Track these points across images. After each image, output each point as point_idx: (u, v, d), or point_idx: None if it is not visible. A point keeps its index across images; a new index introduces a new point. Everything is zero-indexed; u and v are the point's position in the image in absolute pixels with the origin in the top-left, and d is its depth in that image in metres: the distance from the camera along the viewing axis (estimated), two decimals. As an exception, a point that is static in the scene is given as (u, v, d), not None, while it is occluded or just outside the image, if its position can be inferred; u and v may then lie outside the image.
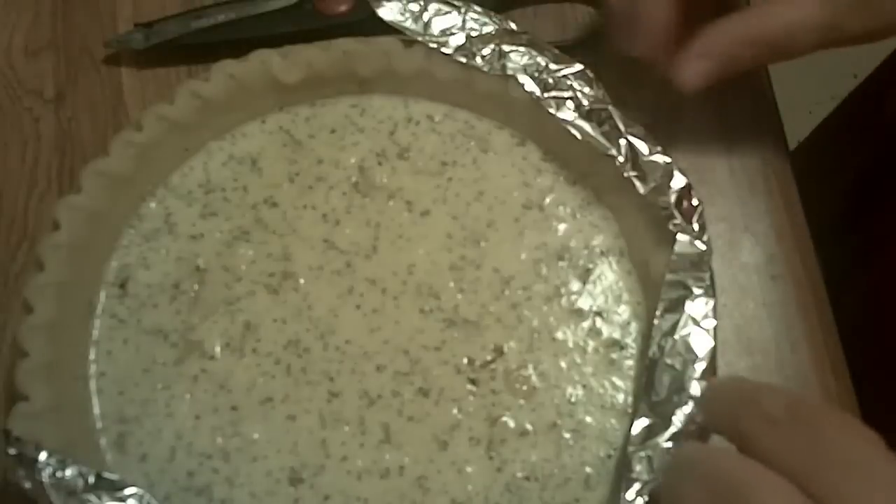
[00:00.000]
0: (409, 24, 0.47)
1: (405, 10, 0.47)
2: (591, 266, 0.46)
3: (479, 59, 0.46)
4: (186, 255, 0.46)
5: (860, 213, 0.67)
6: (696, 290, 0.42)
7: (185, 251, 0.46)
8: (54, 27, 0.51)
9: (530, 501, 0.42)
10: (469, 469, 0.43)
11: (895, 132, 0.64)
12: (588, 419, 0.43)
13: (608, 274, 0.46)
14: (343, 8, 0.49)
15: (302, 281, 0.45)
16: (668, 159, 0.44)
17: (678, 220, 0.43)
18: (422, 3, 0.47)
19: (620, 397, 0.44)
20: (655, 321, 0.42)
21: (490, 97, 0.47)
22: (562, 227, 0.47)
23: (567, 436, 0.43)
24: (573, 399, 0.44)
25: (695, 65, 0.43)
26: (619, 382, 0.44)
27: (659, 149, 0.44)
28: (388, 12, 0.47)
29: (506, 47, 0.46)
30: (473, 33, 0.47)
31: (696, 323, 0.41)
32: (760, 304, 0.47)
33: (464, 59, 0.46)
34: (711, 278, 0.42)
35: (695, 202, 0.43)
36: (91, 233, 0.44)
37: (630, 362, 0.44)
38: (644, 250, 0.45)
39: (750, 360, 0.46)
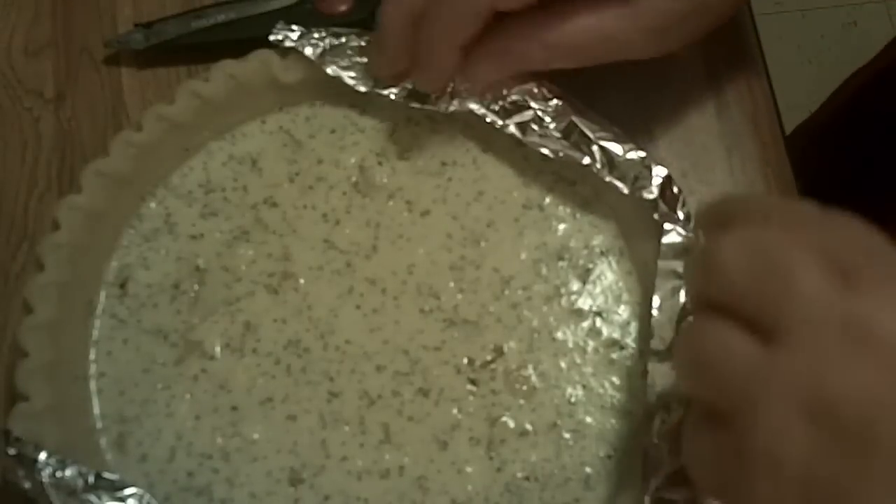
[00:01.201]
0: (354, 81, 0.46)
1: (351, 69, 0.45)
2: (591, 266, 0.46)
3: (427, 103, 0.45)
4: (186, 255, 0.46)
5: (857, 206, 0.67)
6: None
7: (185, 251, 0.46)
8: (54, 27, 0.51)
9: (530, 501, 0.42)
10: (469, 469, 0.43)
11: (892, 123, 0.64)
12: (588, 419, 0.43)
13: (608, 274, 0.46)
14: (343, 8, 0.49)
15: (302, 281, 0.45)
16: (642, 154, 0.44)
17: (664, 210, 0.43)
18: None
19: (620, 397, 0.44)
20: (654, 312, 0.42)
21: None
22: (562, 227, 0.47)
23: (567, 436, 0.43)
24: (573, 399, 0.44)
25: (491, 61, 0.43)
26: (619, 382, 0.44)
27: (631, 146, 0.44)
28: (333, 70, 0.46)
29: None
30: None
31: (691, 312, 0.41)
32: (760, 304, 0.46)
33: (417, 105, 0.45)
34: None
35: (676, 190, 0.43)
36: (91, 233, 0.44)
37: (630, 362, 0.44)
38: (644, 250, 0.45)
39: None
